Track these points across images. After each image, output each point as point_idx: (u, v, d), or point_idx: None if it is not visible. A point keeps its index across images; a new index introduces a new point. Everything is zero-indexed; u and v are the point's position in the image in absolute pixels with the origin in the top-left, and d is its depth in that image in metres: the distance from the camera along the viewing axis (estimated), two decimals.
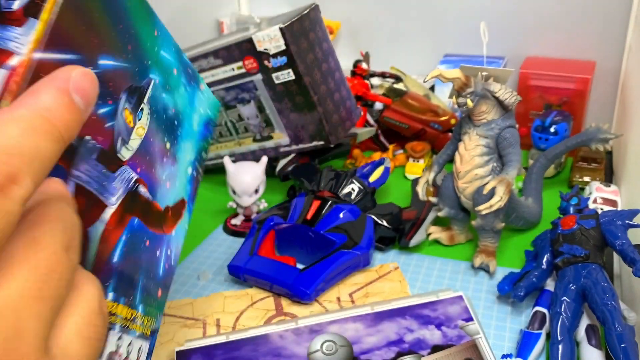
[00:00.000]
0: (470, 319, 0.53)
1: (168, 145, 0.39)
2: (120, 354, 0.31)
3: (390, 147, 0.93)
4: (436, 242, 0.71)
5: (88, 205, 0.30)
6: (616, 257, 0.65)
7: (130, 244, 0.34)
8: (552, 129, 0.83)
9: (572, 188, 0.65)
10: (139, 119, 0.35)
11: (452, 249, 0.69)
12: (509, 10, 0.98)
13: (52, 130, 0.19)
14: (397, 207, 0.72)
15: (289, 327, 0.53)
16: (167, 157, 0.39)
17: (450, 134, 0.85)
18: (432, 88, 1.01)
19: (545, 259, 0.58)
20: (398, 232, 0.69)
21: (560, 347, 0.49)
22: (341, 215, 0.67)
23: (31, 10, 0.24)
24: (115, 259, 0.32)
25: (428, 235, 0.70)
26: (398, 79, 0.99)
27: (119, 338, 0.32)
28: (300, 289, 0.58)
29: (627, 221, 0.55)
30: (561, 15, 0.95)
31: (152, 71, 0.37)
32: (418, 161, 0.89)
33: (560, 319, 0.51)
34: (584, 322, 0.52)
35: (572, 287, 0.52)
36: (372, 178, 0.75)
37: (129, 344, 0.33)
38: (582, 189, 0.79)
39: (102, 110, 0.31)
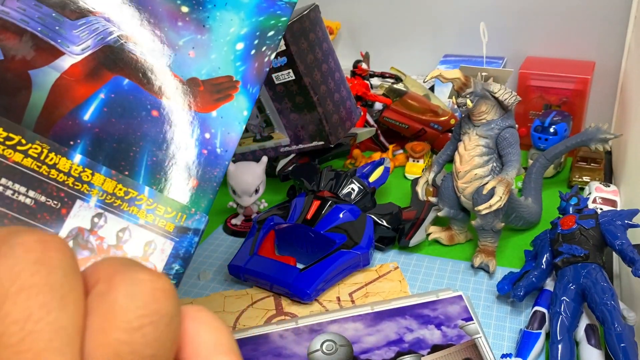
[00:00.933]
0: (469, 319, 0.54)
1: (185, 8, 0.35)
2: (96, 234, 0.29)
3: (390, 147, 0.93)
4: (436, 242, 0.71)
5: (25, 44, 0.28)
6: (615, 257, 0.65)
7: (117, 106, 0.31)
8: (551, 129, 0.83)
9: (572, 188, 0.65)
10: None
11: (451, 249, 0.70)
12: (508, 10, 0.98)
13: None
14: (397, 207, 0.72)
15: (289, 326, 0.53)
16: (184, 22, 0.35)
17: (449, 134, 0.85)
18: (431, 88, 1.01)
19: (544, 259, 0.58)
20: (398, 232, 0.69)
21: (559, 346, 0.49)
22: (341, 215, 0.67)
23: None
24: (87, 117, 0.30)
25: (428, 235, 0.70)
26: (398, 79, 0.99)
27: (99, 216, 0.29)
28: (300, 288, 0.58)
29: (626, 221, 0.55)
30: (561, 16, 0.95)
31: None
32: (418, 161, 0.89)
33: (559, 319, 0.51)
34: (584, 321, 0.52)
35: (572, 287, 0.52)
36: (372, 178, 0.76)
37: (123, 230, 0.30)
38: (582, 189, 0.79)
39: None
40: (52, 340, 0.15)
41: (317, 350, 0.51)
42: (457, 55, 1.03)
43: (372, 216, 0.69)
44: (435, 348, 0.51)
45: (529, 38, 0.99)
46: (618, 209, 0.72)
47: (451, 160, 0.65)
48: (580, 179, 0.81)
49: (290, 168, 0.82)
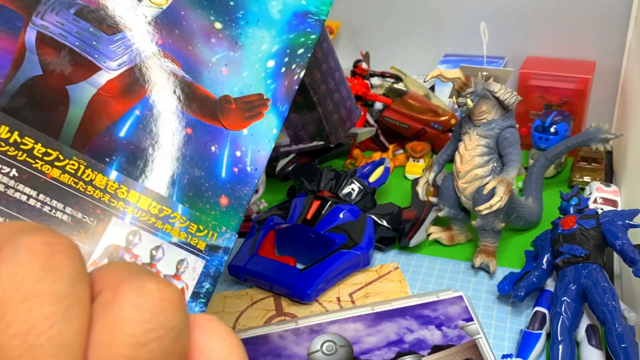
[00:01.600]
0: (470, 319, 0.53)
1: (218, 25, 0.36)
2: (131, 252, 0.29)
3: (390, 147, 0.93)
4: (436, 242, 0.71)
5: (63, 59, 0.28)
6: (616, 257, 0.65)
7: (152, 123, 0.31)
8: (552, 129, 0.83)
9: (572, 188, 0.65)
10: None
11: (452, 249, 0.69)
12: (509, 10, 0.98)
13: None
14: (397, 207, 0.72)
15: (289, 327, 0.53)
16: (217, 38, 0.35)
17: (450, 134, 0.85)
18: (432, 88, 1.01)
19: (545, 259, 0.58)
20: (398, 232, 0.69)
21: (560, 347, 0.49)
22: (341, 215, 0.67)
23: None
24: (123, 133, 0.30)
25: (428, 235, 0.70)
26: (398, 79, 0.99)
27: (134, 233, 0.29)
28: (300, 289, 0.58)
29: (627, 221, 0.55)
30: (561, 15, 0.95)
31: None
32: (418, 161, 0.89)
33: (560, 319, 0.50)
34: (584, 322, 0.52)
35: (573, 287, 0.52)
36: (372, 178, 0.75)
37: (156, 248, 0.30)
38: (582, 189, 0.79)
39: None
40: (54, 357, 0.14)
41: (317, 351, 0.51)
42: (457, 55, 1.03)
43: (372, 216, 0.69)
44: (435, 348, 0.51)
45: (529, 38, 0.99)
46: (619, 209, 0.72)
47: (451, 160, 0.65)
48: (581, 179, 0.81)
49: (290, 168, 0.82)
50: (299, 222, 0.67)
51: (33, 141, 0.27)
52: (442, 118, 0.91)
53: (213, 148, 0.34)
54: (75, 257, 0.16)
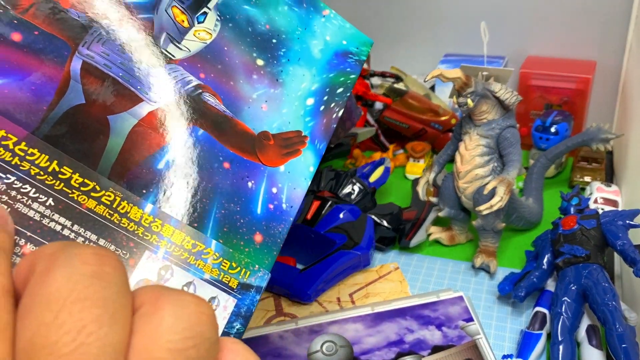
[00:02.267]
0: (470, 320, 0.53)
1: (260, 62, 0.36)
2: None
3: (390, 147, 0.93)
4: (436, 242, 0.70)
5: (106, 89, 0.29)
6: (617, 258, 0.65)
7: (190, 156, 0.31)
8: (552, 129, 0.82)
9: (573, 188, 0.65)
10: (200, 22, 0.34)
11: (452, 249, 0.69)
12: (509, 9, 0.98)
13: None
14: (397, 207, 0.72)
15: (289, 327, 0.53)
16: (259, 75, 0.36)
17: (450, 134, 0.85)
18: (432, 88, 1.01)
19: (545, 259, 0.58)
20: (398, 233, 0.69)
21: (560, 347, 0.48)
22: (341, 216, 0.67)
23: None
24: (160, 166, 0.30)
25: (428, 235, 0.69)
26: (398, 79, 0.99)
27: (166, 268, 0.28)
28: (300, 289, 0.58)
29: (627, 221, 0.55)
30: (562, 15, 0.95)
31: None
32: (418, 161, 0.89)
33: (560, 320, 0.50)
34: (585, 322, 0.52)
35: (573, 288, 0.52)
36: (372, 178, 0.75)
37: (188, 284, 0.29)
38: (583, 189, 0.79)
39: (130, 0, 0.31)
40: (100, 356, 0.15)
41: (317, 351, 0.51)
42: (457, 55, 1.03)
43: (373, 216, 0.69)
44: (435, 349, 0.50)
45: (529, 37, 0.99)
46: (619, 209, 0.72)
47: (452, 160, 0.65)
48: (581, 179, 0.81)
49: None
50: (299, 222, 0.67)
51: (71, 171, 0.27)
52: (443, 118, 0.90)
53: (250, 184, 0.34)
54: (121, 270, 0.17)
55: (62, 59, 0.28)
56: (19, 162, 0.25)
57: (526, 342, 0.52)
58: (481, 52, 0.75)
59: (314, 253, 0.64)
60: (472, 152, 0.61)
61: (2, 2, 0.26)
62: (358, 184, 0.73)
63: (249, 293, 0.32)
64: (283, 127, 0.36)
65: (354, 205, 0.70)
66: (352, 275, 0.64)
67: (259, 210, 0.34)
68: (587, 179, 0.81)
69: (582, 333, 0.51)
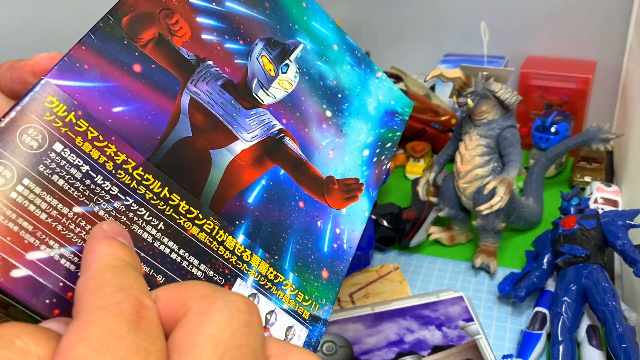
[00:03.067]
0: (470, 320, 0.53)
1: (329, 113, 0.40)
2: None
3: None
4: (436, 242, 0.70)
5: (208, 125, 0.31)
6: (617, 258, 0.65)
7: (274, 193, 0.34)
8: (552, 129, 0.82)
9: (573, 188, 0.65)
10: (283, 72, 0.37)
11: (452, 249, 0.69)
12: (509, 9, 0.98)
13: (123, 265, 0.21)
14: (397, 207, 0.72)
15: None
16: (327, 125, 0.39)
17: (450, 134, 0.85)
18: (432, 88, 1.01)
19: (546, 259, 0.58)
20: (398, 233, 0.69)
21: (560, 347, 0.48)
22: None
23: None
24: (251, 200, 0.33)
25: (428, 235, 0.69)
26: (398, 79, 0.99)
27: (253, 296, 0.31)
28: None
29: (627, 221, 0.55)
30: (562, 15, 0.95)
31: (301, 36, 0.39)
32: (418, 161, 0.89)
33: (561, 320, 0.50)
34: (585, 322, 0.52)
35: (573, 288, 0.52)
36: None
37: (271, 313, 0.32)
38: (583, 189, 0.79)
39: (229, 45, 0.34)
40: None
41: (317, 352, 0.51)
42: (457, 55, 1.03)
43: (373, 216, 0.69)
44: (436, 349, 0.50)
45: (530, 37, 0.99)
46: (619, 209, 0.72)
47: (452, 160, 0.65)
48: (581, 179, 0.81)
49: None
50: None
51: (179, 198, 0.29)
52: (443, 118, 0.90)
53: (319, 223, 0.37)
54: (261, 320, 0.19)
55: (173, 92, 0.30)
56: (136, 186, 0.27)
57: (526, 342, 0.52)
58: (481, 52, 0.75)
59: None
60: (472, 152, 0.61)
61: (126, 35, 0.29)
62: None
63: (318, 325, 0.34)
64: (345, 173, 0.40)
65: None
66: (352, 275, 0.64)
67: (325, 248, 0.37)
68: (587, 179, 0.81)
69: (582, 333, 0.51)
